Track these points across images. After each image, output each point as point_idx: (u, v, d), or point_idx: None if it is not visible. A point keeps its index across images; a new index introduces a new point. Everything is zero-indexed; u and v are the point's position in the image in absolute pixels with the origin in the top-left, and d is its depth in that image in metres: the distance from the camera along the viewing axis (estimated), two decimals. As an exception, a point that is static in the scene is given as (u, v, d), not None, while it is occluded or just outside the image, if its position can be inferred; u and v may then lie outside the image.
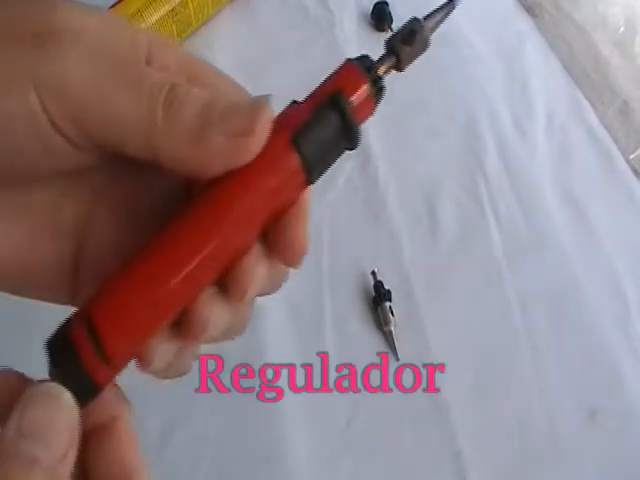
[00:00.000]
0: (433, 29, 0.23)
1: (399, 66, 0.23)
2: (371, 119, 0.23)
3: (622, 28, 0.69)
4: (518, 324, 0.50)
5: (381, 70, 0.22)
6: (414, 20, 0.23)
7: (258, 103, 0.20)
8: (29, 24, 0.19)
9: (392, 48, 0.23)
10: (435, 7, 0.23)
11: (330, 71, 0.22)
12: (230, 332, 0.24)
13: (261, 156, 0.20)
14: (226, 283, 0.21)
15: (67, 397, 0.19)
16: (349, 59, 0.22)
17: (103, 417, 0.22)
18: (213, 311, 0.21)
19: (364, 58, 0.22)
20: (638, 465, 0.45)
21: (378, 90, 0.22)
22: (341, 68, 0.22)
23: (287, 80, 0.61)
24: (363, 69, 0.22)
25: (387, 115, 0.55)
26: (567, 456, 0.45)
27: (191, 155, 0.20)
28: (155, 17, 0.59)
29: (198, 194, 0.21)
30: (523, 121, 0.62)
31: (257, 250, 0.22)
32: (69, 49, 0.19)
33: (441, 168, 0.58)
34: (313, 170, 0.21)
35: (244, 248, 0.21)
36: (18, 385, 0.20)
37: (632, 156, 0.60)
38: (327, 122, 0.21)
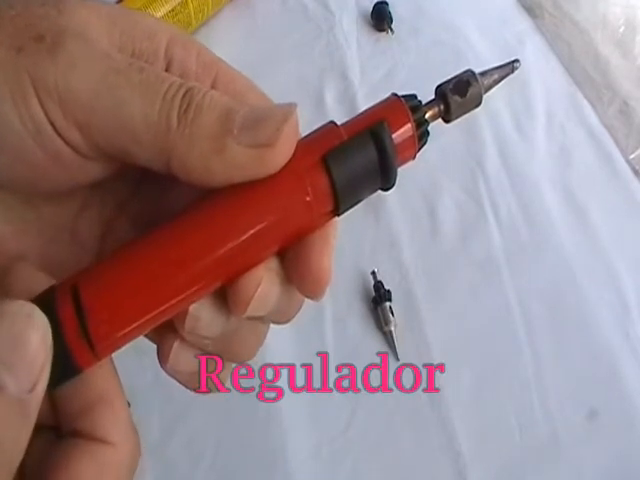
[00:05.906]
0: (488, 87, 0.21)
1: (447, 116, 0.21)
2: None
3: (622, 28, 0.68)
4: (518, 324, 0.50)
5: (428, 114, 0.21)
6: (470, 72, 0.21)
7: (283, 111, 0.19)
8: (32, 26, 0.18)
9: (442, 94, 0.21)
10: (494, 65, 0.22)
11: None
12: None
13: (287, 169, 0.19)
14: (228, 292, 0.20)
15: (41, 318, 0.17)
16: (395, 94, 0.21)
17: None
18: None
19: (411, 97, 0.21)
20: (638, 465, 0.45)
21: (422, 133, 0.21)
22: (387, 101, 0.21)
23: (287, 80, 0.61)
24: (410, 107, 0.20)
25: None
26: (567, 456, 0.45)
27: (208, 166, 0.18)
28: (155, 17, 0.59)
29: (215, 190, 0.19)
30: (523, 121, 0.62)
31: (272, 267, 0.20)
32: (74, 51, 0.18)
33: (441, 168, 0.58)
34: (341, 196, 0.19)
35: (254, 261, 0.20)
36: None
37: (632, 156, 0.60)
38: (364, 150, 0.19)
